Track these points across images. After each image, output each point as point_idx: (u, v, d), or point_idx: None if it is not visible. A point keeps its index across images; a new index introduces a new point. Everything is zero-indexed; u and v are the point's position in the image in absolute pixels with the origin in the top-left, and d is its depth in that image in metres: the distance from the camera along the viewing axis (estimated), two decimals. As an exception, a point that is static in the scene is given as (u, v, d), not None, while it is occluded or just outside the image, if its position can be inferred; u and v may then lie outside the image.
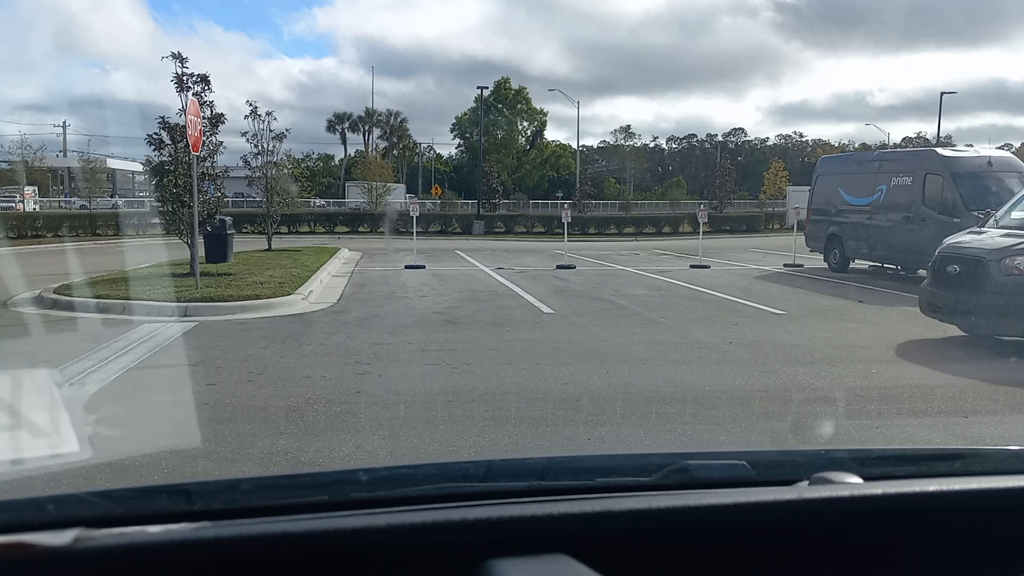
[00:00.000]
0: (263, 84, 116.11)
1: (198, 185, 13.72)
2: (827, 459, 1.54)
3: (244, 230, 27.85)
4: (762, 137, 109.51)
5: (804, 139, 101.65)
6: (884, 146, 58.52)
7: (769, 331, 10.01)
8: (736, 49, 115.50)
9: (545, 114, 79.92)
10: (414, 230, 22.85)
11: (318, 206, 48.25)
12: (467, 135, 76.23)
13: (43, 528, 1.01)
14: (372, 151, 72.15)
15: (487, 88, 59.83)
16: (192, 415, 5.75)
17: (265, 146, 22.50)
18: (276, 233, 24.89)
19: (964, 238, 10.20)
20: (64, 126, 68.73)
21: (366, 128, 76.65)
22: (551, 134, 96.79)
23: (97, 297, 11.51)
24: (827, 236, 19.63)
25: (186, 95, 14.31)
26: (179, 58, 14.51)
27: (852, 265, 19.16)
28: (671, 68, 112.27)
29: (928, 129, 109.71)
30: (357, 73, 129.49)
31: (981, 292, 9.00)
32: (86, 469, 4.04)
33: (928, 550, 1.26)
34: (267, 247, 22.51)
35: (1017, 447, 1.68)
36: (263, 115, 22.08)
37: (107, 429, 5.43)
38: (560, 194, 65.64)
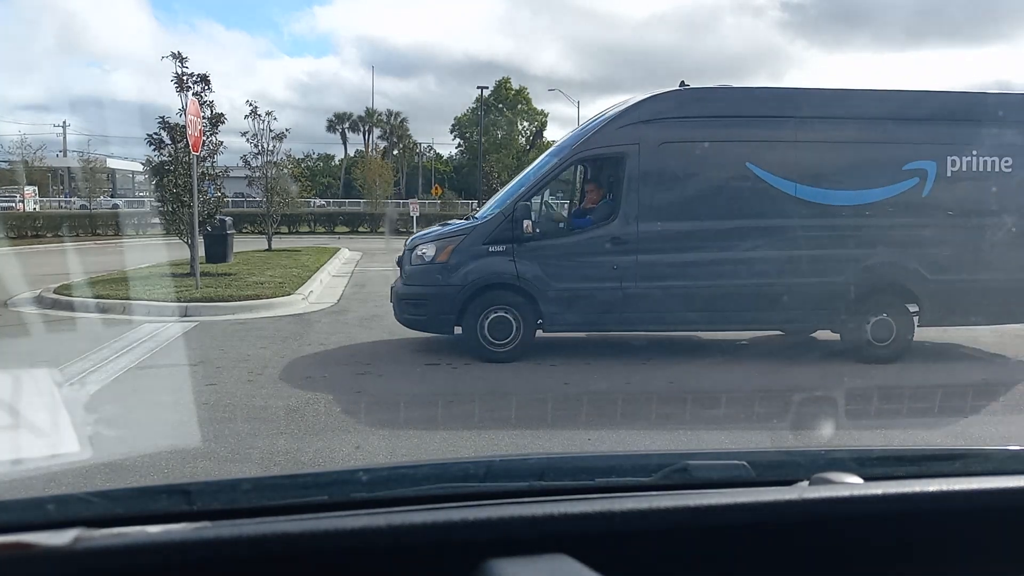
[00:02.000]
0: (264, 83, 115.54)
1: (198, 185, 13.72)
2: (827, 459, 1.54)
3: (244, 230, 27.82)
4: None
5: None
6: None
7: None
8: (739, 47, 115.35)
9: (546, 114, 79.80)
10: (414, 230, 22.86)
11: (318, 206, 48.24)
12: (467, 135, 76.14)
13: (43, 528, 1.01)
14: (372, 151, 72.13)
15: (487, 88, 59.88)
16: (192, 415, 5.75)
17: (265, 146, 22.50)
18: (276, 233, 24.88)
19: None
20: (64, 126, 68.64)
21: (366, 128, 76.61)
22: (552, 134, 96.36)
23: (97, 297, 11.51)
24: None
25: (186, 95, 14.30)
26: (179, 58, 14.53)
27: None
28: (674, 67, 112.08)
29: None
30: (358, 73, 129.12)
31: (400, 280, 8.86)
32: (86, 469, 4.04)
33: (928, 550, 1.26)
34: (267, 247, 22.50)
35: (1017, 447, 1.68)
36: (263, 115, 22.09)
37: (107, 429, 5.43)
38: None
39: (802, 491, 1.28)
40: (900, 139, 8.35)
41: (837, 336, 8.70)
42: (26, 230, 28.77)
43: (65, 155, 64.44)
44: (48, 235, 28.43)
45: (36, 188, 46.71)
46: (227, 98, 74.28)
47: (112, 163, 58.18)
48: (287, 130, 23.47)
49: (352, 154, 76.75)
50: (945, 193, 8.33)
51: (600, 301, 8.14)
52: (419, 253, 8.51)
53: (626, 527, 1.15)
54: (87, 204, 43.91)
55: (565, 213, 8.80)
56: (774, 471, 1.48)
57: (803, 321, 8.73)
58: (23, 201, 42.01)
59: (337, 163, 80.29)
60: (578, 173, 9.34)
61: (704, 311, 8.27)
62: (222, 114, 15.64)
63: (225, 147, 16.69)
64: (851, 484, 1.30)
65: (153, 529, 1.05)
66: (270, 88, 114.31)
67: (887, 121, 8.42)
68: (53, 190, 54.86)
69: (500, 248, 8.15)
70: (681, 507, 1.18)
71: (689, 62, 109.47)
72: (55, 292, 12.20)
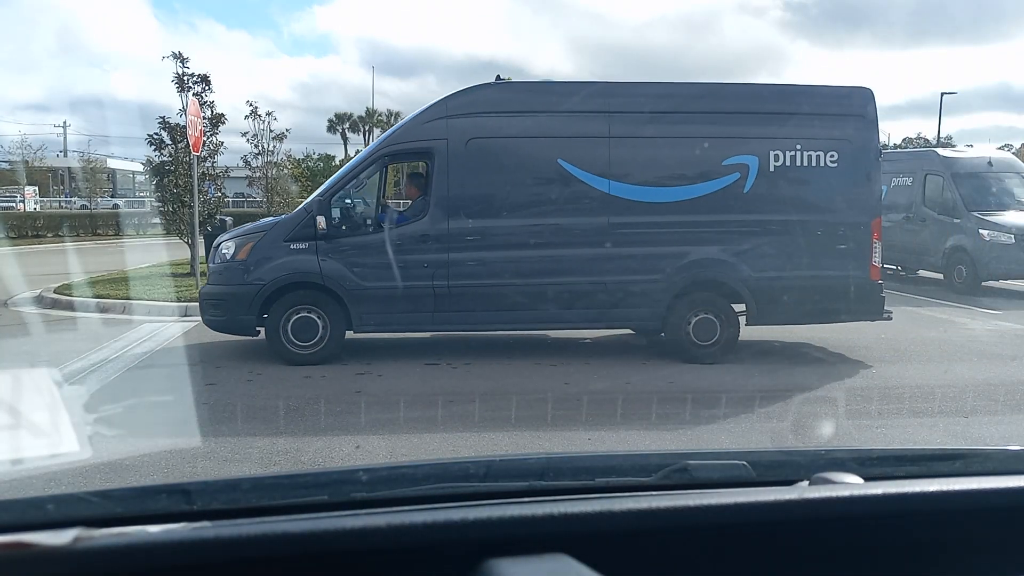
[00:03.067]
0: (265, 83, 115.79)
1: (198, 185, 13.73)
2: (827, 459, 1.54)
3: (244, 230, 27.77)
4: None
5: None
6: (884, 147, 58.42)
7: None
8: (741, 47, 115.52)
9: (546, 114, 79.80)
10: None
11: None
12: (467, 135, 76.10)
13: (43, 528, 1.01)
14: (372, 151, 72.05)
15: (487, 88, 59.74)
16: (192, 415, 5.75)
17: (265, 146, 22.50)
18: (276, 233, 24.86)
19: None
20: (64, 126, 68.56)
21: (367, 128, 76.55)
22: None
23: (97, 297, 11.52)
24: None
25: (186, 95, 14.32)
26: (180, 58, 14.56)
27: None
28: (674, 67, 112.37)
29: (930, 128, 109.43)
30: (358, 73, 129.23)
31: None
32: (86, 469, 4.05)
33: (928, 550, 1.26)
34: (267, 247, 22.47)
35: (1017, 447, 1.68)
36: (263, 115, 22.10)
37: (107, 429, 5.43)
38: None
39: (802, 491, 1.28)
40: (720, 134, 8.07)
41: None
42: (26, 230, 28.74)
43: (65, 155, 64.37)
44: (48, 235, 28.40)
45: (36, 188, 46.69)
46: (228, 98, 74.24)
47: (112, 163, 58.11)
48: (287, 130, 23.52)
49: (352, 154, 76.74)
50: (768, 189, 8.07)
51: (412, 300, 7.86)
52: (221, 251, 8.13)
53: (626, 527, 1.15)
54: (87, 204, 43.86)
55: (375, 210, 8.40)
56: (774, 471, 1.48)
57: (624, 320, 8.49)
58: (23, 201, 42.00)
59: (338, 163, 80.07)
60: (387, 170, 8.81)
61: (519, 310, 8.01)
62: (222, 114, 15.67)
63: (225, 147, 16.71)
64: (851, 484, 1.30)
65: (153, 529, 1.05)
66: (271, 88, 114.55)
67: (706, 116, 8.16)
68: (53, 190, 54.84)
69: (303, 246, 7.81)
70: (681, 507, 1.18)
71: (690, 61, 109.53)
72: (55, 292, 12.20)
